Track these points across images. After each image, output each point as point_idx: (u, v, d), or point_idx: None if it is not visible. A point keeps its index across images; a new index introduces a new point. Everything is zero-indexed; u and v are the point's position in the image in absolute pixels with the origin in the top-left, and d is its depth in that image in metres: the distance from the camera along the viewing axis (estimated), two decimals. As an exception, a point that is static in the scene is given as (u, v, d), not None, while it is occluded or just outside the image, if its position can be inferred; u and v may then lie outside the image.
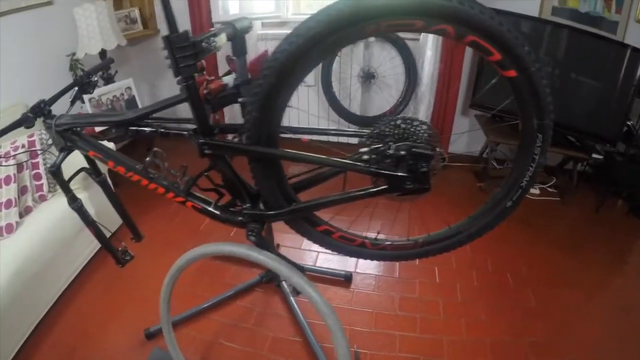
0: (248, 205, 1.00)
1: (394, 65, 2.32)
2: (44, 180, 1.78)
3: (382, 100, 2.45)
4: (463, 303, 1.65)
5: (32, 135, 1.77)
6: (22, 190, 1.72)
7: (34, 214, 1.72)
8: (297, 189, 0.99)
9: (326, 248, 1.03)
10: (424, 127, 0.84)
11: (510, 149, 2.37)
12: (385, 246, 1.02)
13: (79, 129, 1.07)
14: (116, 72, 2.25)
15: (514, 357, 1.43)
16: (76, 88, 1.19)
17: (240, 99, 1.17)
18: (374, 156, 0.84)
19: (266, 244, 1.02)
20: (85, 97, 2.16)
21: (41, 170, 1.78)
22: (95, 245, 1.91)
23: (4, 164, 1.66)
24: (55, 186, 1.84)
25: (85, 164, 1.23)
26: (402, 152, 0.80)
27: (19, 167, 1.71)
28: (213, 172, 0.99)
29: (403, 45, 2.22)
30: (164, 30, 2.62)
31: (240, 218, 1.02)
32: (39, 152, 1.76)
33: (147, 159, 0.98)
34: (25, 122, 1.03)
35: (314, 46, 0.70)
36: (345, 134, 1.10)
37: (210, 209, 1.03)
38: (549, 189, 2.39)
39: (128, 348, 1.49)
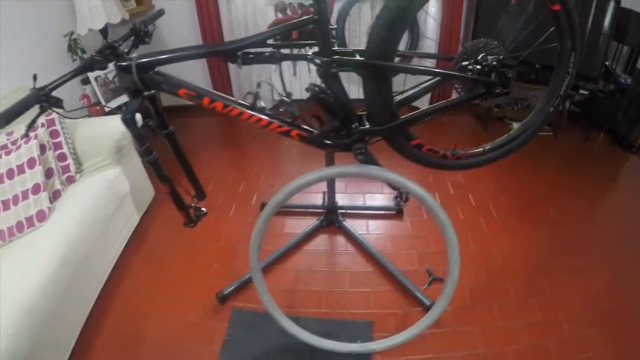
0: (357, 124, 1.04)
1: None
2: (69, 160, 1.64)
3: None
4: (499, 220, 1.85)
5: (49, 114, 1.62)
6: (48, 174, 1.56)
7: (64, 197, 1.57)
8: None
9: (414, 161, 1.14)
10: (498, 47, 1.04)
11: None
12: (461, 155, 1.17)
13: (159, 68, 1.02)
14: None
15: (550, 257, 1.65)
16: (132, 38, 1.14)
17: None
18: (477, 66, 1.01)
19: (374, 160, 1.08)
20: (91, 75, 2.02)
21: (65, 149, 1.63)
22: (133, 223, 1.81)
23: (24, 146, 1.52)
24: (81, 166, 1.71)
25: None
26: (495, 63, 0.99)
27: (42, 148, 1.56)
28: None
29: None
30: (159, 5, 2.52)
31: (346, 140, 1.06)
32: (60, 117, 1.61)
33: (257, 89, 0.98)
34: (96, 64, 0.94)
35: None
36: (438, 57, 1.21)
37: (314, 136, 1.05)
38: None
39: (201, 318, 1.44)
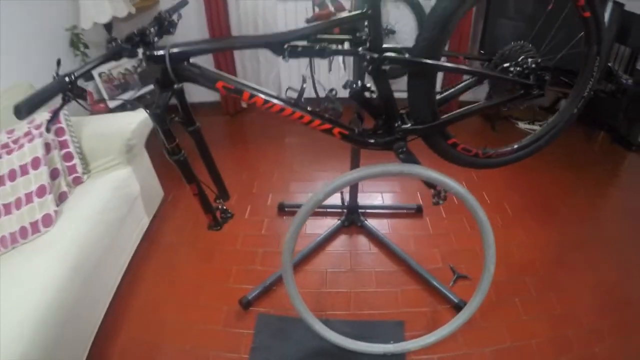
0: (399, 122, 1.02)
1: (409, 21, 2.40)
2: (76, 160, 1.54)
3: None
4: (514, 216, 1.89)
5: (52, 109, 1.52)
6: (53, 175, 1.47)
7: (70, 200, 1.47)
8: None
9: (447, 159, 1.14)
10: (533, 50, 1.07)
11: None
12: (491, 154, 1.19)
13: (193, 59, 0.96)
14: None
15: (564, 252, 1.71)
16: (156, 27, 1.07)
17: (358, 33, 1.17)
18: (518, 69, 1.04)
19: (415, 159, 1.06)
20: (95, 72, 1.91)
21: (71, 148, 1.53)
22: (143, 226, 1.71)
23: (27, 145, 1.42)
24: (88, 167, 1.61)
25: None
26: (534, 66, 1.03)
27: (47, 147, 1.46)
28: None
29: (416, 3, 2.31)
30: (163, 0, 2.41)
31: (387, 138, 1.04)
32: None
33: (304, 85, 0.94)
34: (124, 52, 0.85)
35: None
36: (475, 58, 1.21)
37: (357, 134, 1.03)
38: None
39: (223, 325, 1.38)
